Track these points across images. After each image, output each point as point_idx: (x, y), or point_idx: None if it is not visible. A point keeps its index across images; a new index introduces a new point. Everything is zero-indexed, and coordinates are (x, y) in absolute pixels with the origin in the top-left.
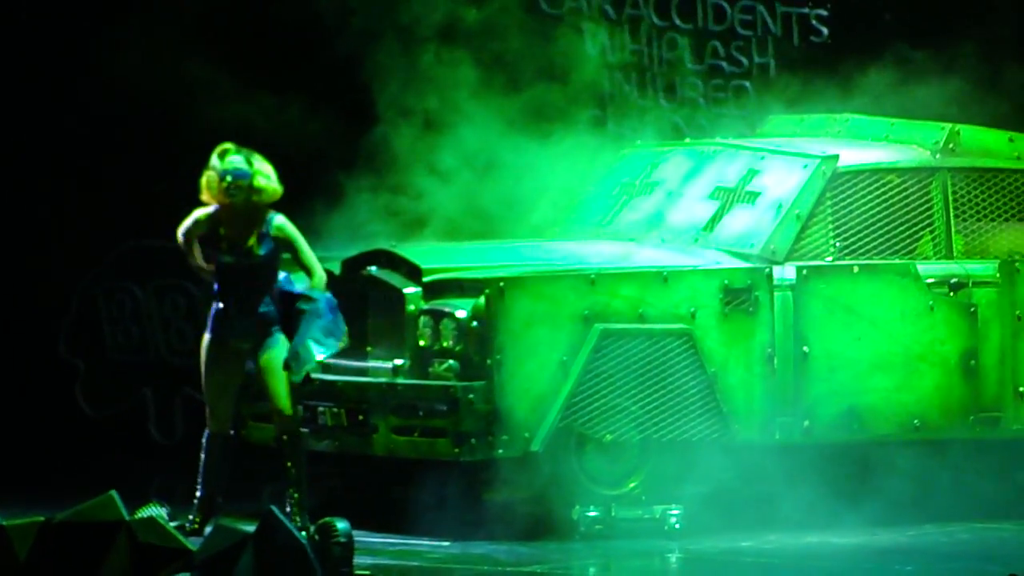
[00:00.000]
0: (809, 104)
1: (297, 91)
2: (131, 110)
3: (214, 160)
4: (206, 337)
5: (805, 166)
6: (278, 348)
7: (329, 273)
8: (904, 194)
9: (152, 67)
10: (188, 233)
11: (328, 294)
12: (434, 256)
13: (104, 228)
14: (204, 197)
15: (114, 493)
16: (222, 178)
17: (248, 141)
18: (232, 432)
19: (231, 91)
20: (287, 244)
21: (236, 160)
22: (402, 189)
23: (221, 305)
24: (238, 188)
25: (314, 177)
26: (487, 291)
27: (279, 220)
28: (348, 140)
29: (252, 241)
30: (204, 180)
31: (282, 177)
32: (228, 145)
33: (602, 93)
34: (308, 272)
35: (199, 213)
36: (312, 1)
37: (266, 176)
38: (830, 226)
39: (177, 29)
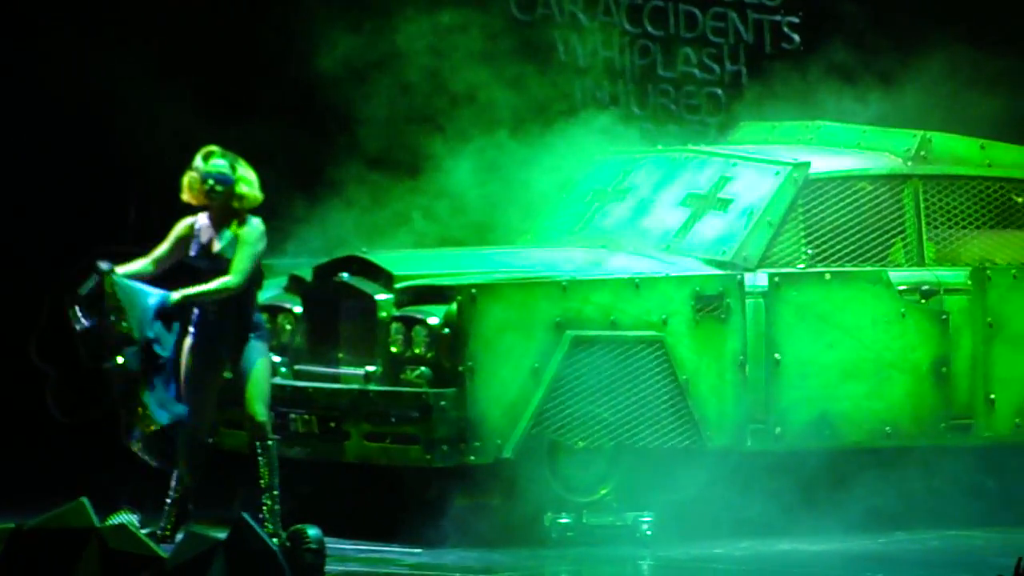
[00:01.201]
0: (781, 111)
1: (272, 96)
2: (104, 116)
3: (198, 161)
4: (187, 341)
5: (777, 173)
6: (255, 354)
7: (300, 279)
8: (876, 201)
9: (127, 73)
10: (174, 232)
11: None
12: (406, 263)
13: (77, 234)
14: (185, 197)
15: (85, 500)
16: (203, 180)
17: (223, 143)
18: (208, 439)
19: (202, 95)
20: (238, 242)
21: (220, 164)
22: (375, 196)
23: (201, 309)
24: (219, 192)
25: (285, 184)
26: (459, 298)
27: (253, 221)
28: (317, 146)
29: (226, 244)
30: (186, 180)
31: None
32: (213, 148)
33: (574, 100)
34: (229, 272)
35: (188, 220)
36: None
37: (248, 183)
38: (802, 233)
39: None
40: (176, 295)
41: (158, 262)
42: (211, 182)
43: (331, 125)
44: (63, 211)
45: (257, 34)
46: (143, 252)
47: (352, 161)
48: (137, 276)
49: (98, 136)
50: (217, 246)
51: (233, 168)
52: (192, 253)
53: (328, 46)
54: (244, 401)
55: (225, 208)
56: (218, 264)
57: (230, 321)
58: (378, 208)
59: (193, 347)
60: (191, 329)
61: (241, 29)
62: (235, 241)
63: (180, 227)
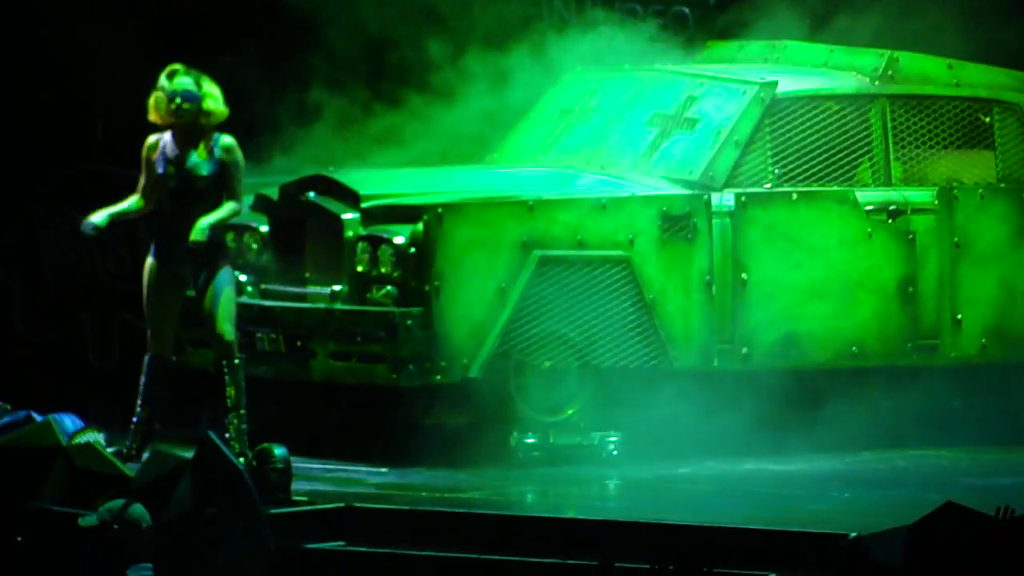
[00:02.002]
0: (748, 31)
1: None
2: (69, 32)
3: (163, 80)
4: (148, 260)
5: (743, 93)
6: (220, 274)
7: (267, 198)
8: (843, 121)
9: None
10: (142, 159)
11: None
12: (373, 182)
13: (43, 152)
14: (152, 117)
15: (52, 418)
16: (171, 99)
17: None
18: (173, 357)
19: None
20: (228, 166)
21: (185, 81)
22: (342, 115)
23: (164, 228)
24: (186, 110)
25: (254, 104)
26: (425, 217)
27: (227, 140)
28: (286, 66)
29: (194, 161)
30: (152, 100)
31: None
32: (177, 66)
33: (541, 19)
34: (229, 199)
35: (150, 139)
36: None
37: (214, 98)
38: (769, 153)
39: None
40: (198, 234)
41: (146, 194)
42: (178, 100)
43: (296, 45)
44: (29, 129)
45: None
46: (111, 170)
47: (317, 81)
48: (133, 214)
49: (63, 55)
50: (187, 162)
51: (199, 85)
52: (160, 170)
53: None
54: (210, 320)
55: (193, 125)
56: (189, 181)
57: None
58: (347, 129)
59: (154, 266)
60: (152, 247)
61: None
62: (209, 159)
63: (146, 150)
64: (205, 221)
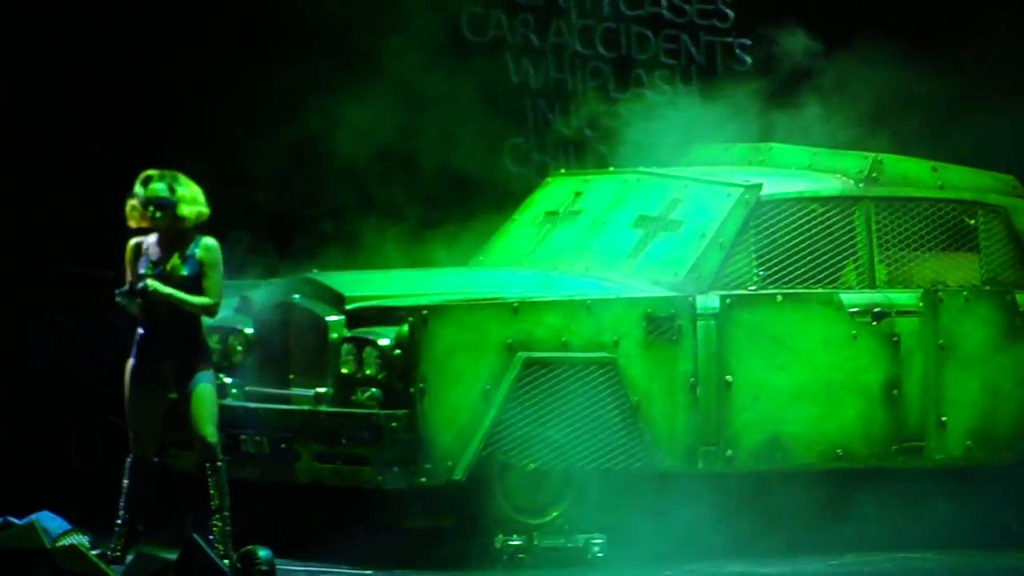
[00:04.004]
0: (732, 133)
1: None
2: (53, 134)
3: (137, 187)
4: (129, 362)
5: (728, 195)
6: (201, 375)
7: (251, 300)
8: (827, 223)
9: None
10: (126, 262)
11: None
12: (357, 283)
13: (26, 253)
14: (131, 224)
15: (36, 521)
16: (144, 207)
17: (172, 164)
18: (155, 459)
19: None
20: (206, 266)
21: (159, 187)
22: (328, 217)
23: (144, 330)
24: (160, 217)
25: (239, 204)
26: (410, 319)
27: (207, 241)
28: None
29: (175, 262)
30: (128, 208)
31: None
32: (151, 172)
33: (526, 121)
34: (203, 295)
35: (132, 241)
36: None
37: (189, 202)
38: (753, 255)
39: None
40: (158, 286)
41: None
42: (151, 208)
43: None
44: (13, 230)
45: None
46: (95, 272)
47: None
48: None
49: (47, 156)
50: (167, 264)
51: (172, 190)
52: (141, 270)
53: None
54: (192, 422)
55: (172, 230)
56: (170, 281)
57: (175, 342)
58: (331, 229)
59: (136, 367)
60: (133, 349)
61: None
62: (189, 260)
63: (129, 252)
64: (166, 290)
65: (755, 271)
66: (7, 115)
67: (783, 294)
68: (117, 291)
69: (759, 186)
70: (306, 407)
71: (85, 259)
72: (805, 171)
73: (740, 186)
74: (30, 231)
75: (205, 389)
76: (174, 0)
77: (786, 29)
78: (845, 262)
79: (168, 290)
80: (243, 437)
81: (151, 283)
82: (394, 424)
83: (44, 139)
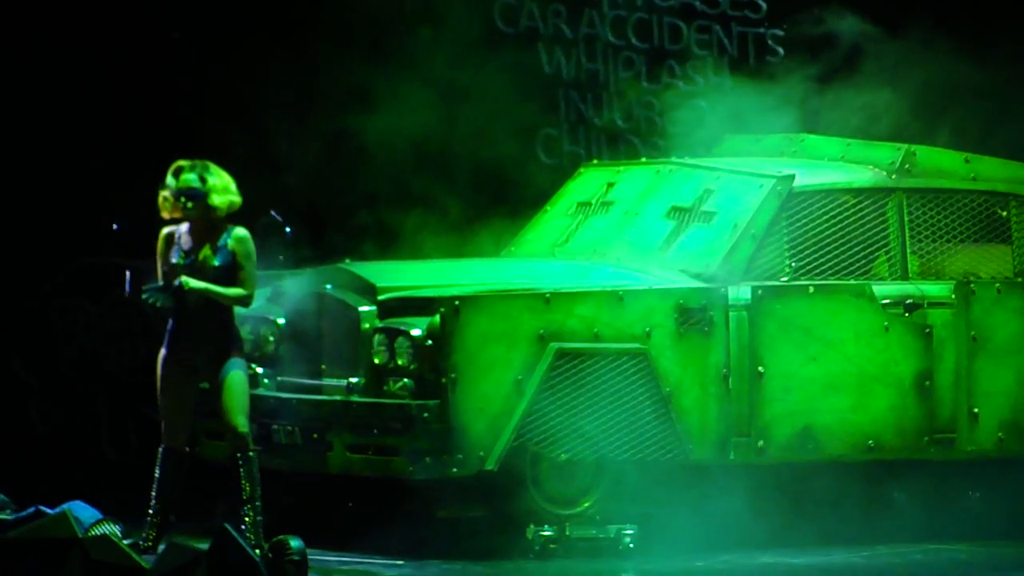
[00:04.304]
0: (765, 124)
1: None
2: (86, 124)
3: (168, 179)
4: (161, 352)
5: (761, 186)
6: (233, 365)
7: (284, 291)
8: (860, 215)
9: (122, 78)
10: (158, 252)
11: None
12: (389, 274)
13: (58, 244)
14: (164, 215)
15: (68, 511)
16: (176, 198)
17: (209, 154)
18: (187, 449)
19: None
20: (239, 257)
21: (190, 178)
22: (360, 208)
23: (176, 320)
24: (192, 208)
25: (271, 193)
26: (442, 309)
27: (239, 232)
28: (309, 158)
29: (206, 252)
30: (160, 199)
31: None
32: (182, 163)
33: (558, 112)
34: (238, 286)
35: (164, 231)
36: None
37: (221, 191)
38: (785, 246)
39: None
40: (192, 282)
41: None
42: (183, 199)
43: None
44: (45, 220)
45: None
46: (125, 263)
47: (341, 174)
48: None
49: (81, 144)
50: (199, 254)
51: (203, 180)
52: (173, 260)
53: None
54: (224, 413)
55: (204, 220)
56: (201, 272)
57: (207, 332)
58: (365, 219)
59: (167, 357)
60: (165, 339)
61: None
62: (220, 251)
63: (161, 242)
64: (201, 285)
65: (787, 262)
66: (39, 105)
67: (815, 285)
68: (146, 287)
69: (792, 177)
70: (338, 397)
71: (121, 248)
72: (838, 162)
73: (773, 177)
74: (62, 221)
75: (237, 379)
76: None
77: (831, 13)
78: (877, 253)
79: (203, 285)
80: (275, 427)
81: (186, 280)
82: (426, 414)
83: (76, 129)
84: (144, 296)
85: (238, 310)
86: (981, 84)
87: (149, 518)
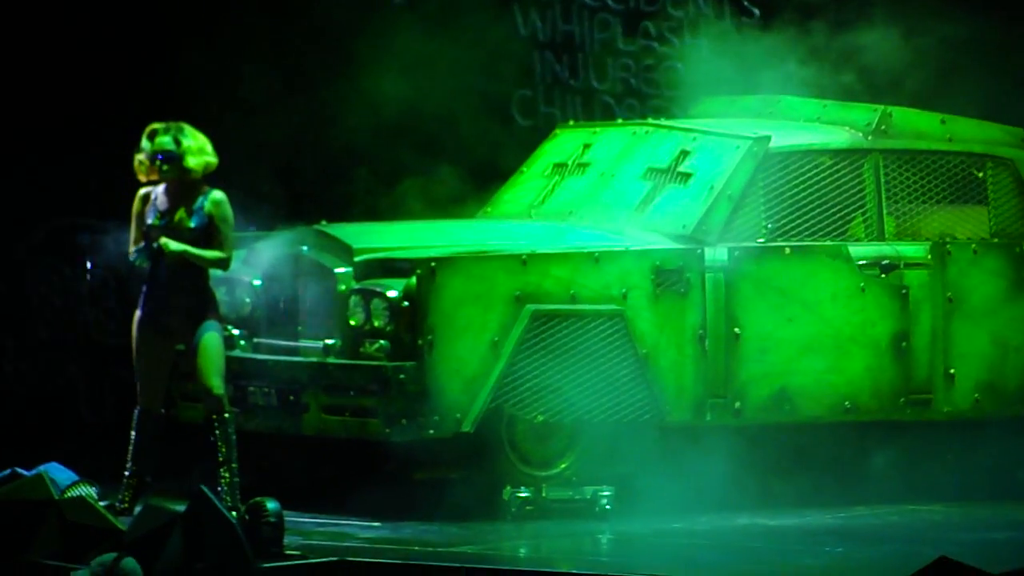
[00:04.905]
0: (741, 85)
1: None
2: (67, 85)
3: (143, 142)
4: (136, 314)
5: (737, 147)
6: (208, 327)
7: (260, 252)
8: (836, 176)
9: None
10: (133, 213)
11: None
12: (365, 235)
13: (34, 205)
14: (141, 178)
15: (44, 472)
16: (152, 160)
17: (184, 116)
18: (162, 411)
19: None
20: (215, 220)
21: (164, 140)
22: (336, 168)
23: (151, 281)
24: (167, 170)
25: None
26: (418, 271)
27: (216, 195)
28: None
29: (182, 214)
30: (136, 162)
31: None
32: (156, 125)
33: (534, 74)
34: (215, 248)
35: (141, 191)
36: None
37: (196, 153)
38: (762, 207)
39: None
40: (172, 244)
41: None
42: (158, 162)
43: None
44: (21, 181)
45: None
46: (105, 223)
47: (315, 133)
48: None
49: (56, 106)
50: (174, 215)
51: (178, 142)
52: (149, 220)
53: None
54: (199, 375)
55: (180, 181)
56: (176, 233)
57: (182, 294)
58: (339, 179)
59: (143, 319)
60: (140, 301)
61: None
62: (197, 213)
63: (137, 202)
64: (180, 247)
65: (764, 223)
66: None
67: (791, 247)
68: (132, 250)
69: (768, 138)
70: (314, 359)
71: (93, 210)
72: (814, 123)
73: (749, 138)
74: (35, 183)
75: (212, 340)
76: None
77: None
78: (853, 215)
79: (181, 247)
80: (251, 389)
81: (164, 242)
82: (402, 376)
83: (47, 92)
84: (131, 259)
85: (214, 272)
86: (958, 40)
87: (125, 480)
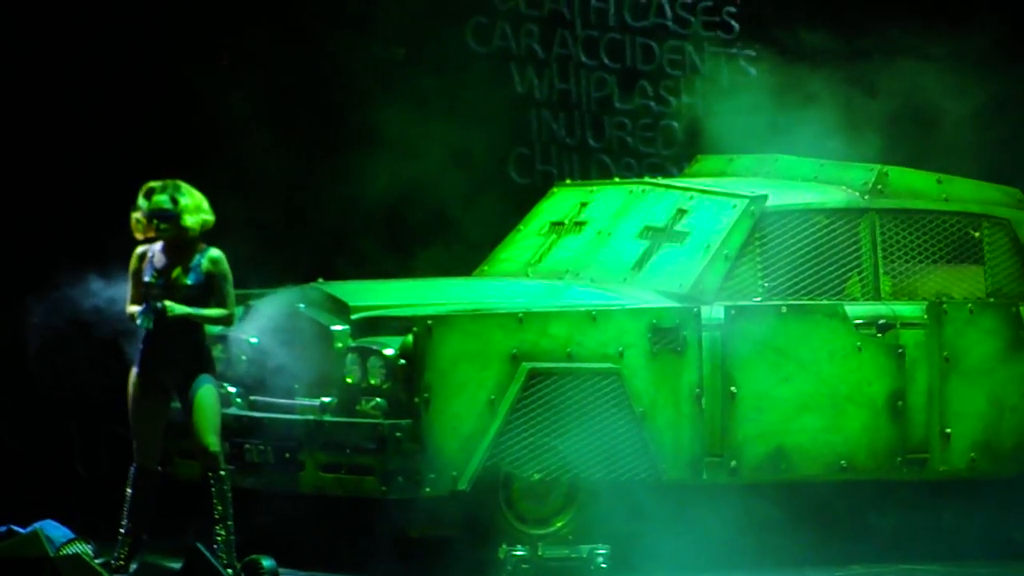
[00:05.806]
0: (738, 144)
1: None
2: (66, 147)
3: (140, 200)
4: (133, 371)
5: (734, 206)
6: (205, 385)
7: (256, 310)
8: (832, 235)
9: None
10: (130, 272)
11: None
12: (362, 293)
13: (30, 262)
14: (137, 236)
15: (40, 530)
16: (149, 220)
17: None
18: (159, 468)
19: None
20: (215, 277)
21: (161, 199)
22: (332, 226)
23: (148, 339)
24: (165, 229)
25: (244, 210)
26: (415, 329)
27: (214, 252)
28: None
29: (179, 272)
30: (132, 220)
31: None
32: (153, 184)
33: (530, 132)
34: (216, 306)
35: (138, 250)
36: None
37: (193, 211)
38: (758, 266)
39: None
40: (176, 308)
41: (134, 305)
42: (155, 221)
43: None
44: (18, 238)
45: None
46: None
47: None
48: None
49: (56, 165)
50: (172, 273)
51: (175, 201)
52: (146, 279)
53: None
54: (195, 432)
55: (177, 240)
56: (173, 291)
57: (180, 352)
58: (336, 238)
59: (139, 376)
60: (137, 358)
61: None
62: (194, 270)
63: (135, 260)
64: (184, 309)
65: (760, 282)
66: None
67: (788, 305)
68: (137, 311)
69: (764, 197)
70: (310, 416)
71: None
72: (810, 183)
73: (745, 197)
74: (35, 238)
75: (208, 398)
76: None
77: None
78: (850, 274)
79: (184, 310)
80: (247, 446)
81: (169, 306)
82: (398, 434)
83: (43, 149)
84: (137, 322)
85: (210, 329)
86: (951, 105)
87: (121, 537)
